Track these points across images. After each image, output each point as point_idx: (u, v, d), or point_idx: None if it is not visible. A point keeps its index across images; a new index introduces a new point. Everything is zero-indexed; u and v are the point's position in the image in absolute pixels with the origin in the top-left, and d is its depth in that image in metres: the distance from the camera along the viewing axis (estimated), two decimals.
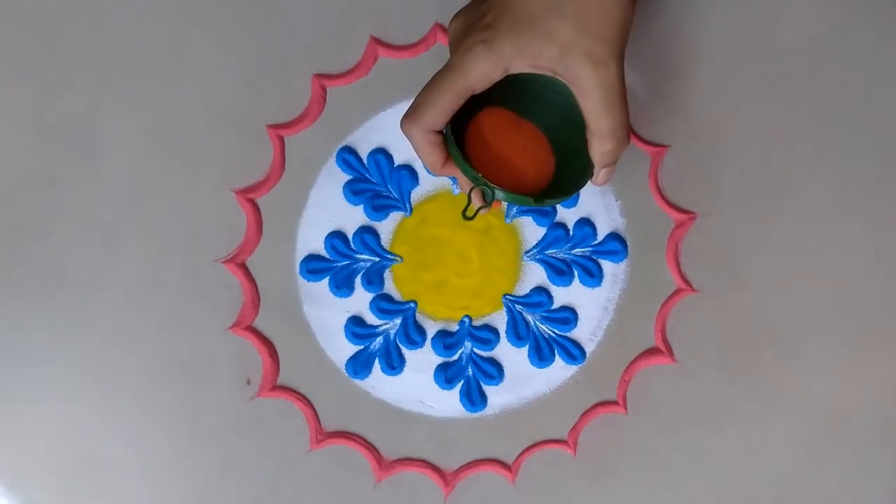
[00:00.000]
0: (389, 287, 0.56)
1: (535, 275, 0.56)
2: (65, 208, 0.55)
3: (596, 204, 0.56)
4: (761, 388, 0.55)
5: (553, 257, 0.56)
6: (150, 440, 0.55)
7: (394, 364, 0.55)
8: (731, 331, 0.55)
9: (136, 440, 0.55)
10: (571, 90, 0.46)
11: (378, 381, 0.55)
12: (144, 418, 0.55)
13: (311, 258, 0.56)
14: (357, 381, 0.55)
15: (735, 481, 0.55)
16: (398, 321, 0.56)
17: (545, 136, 0.49)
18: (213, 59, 0.56)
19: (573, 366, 0.55)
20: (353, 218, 0.56)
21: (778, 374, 0.55)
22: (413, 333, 0.55)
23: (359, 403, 0.55)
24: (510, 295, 0.56)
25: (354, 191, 0.56)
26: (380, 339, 0.55)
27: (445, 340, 0.55)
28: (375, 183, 0.56)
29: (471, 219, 0.48)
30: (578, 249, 0.56)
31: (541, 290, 0.56)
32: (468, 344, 0.56)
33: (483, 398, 0.55)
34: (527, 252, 0.56)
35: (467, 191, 0.48)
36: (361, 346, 0.55)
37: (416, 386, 0.55)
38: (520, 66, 0.46)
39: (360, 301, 0.56)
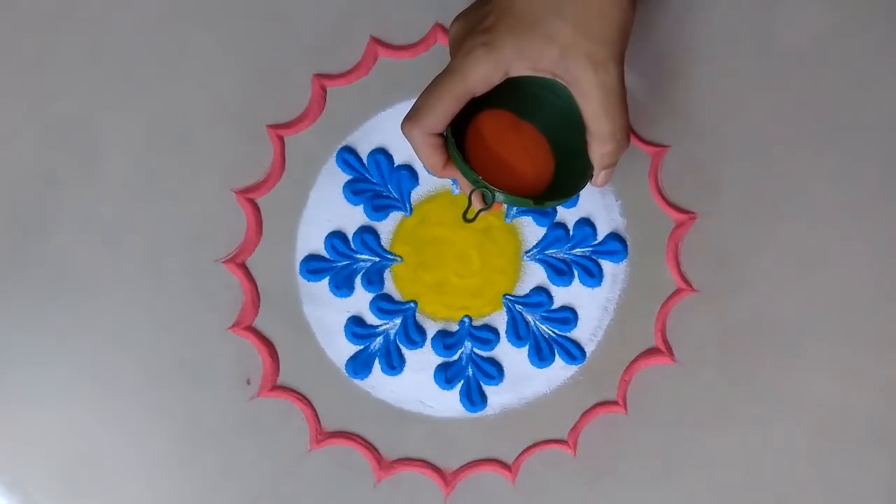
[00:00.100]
0: (389, 287, 0.56)
1: (535, 275, 0.56)
2: (65, 208, 0.55)
3: (596, 204, 0.56)
4: (761, 388, 0.55)
5: (553, 257, 0.56)
6: (149, 440, 0.55)
7: (394, 364, 0.55)
8: (731, 331, 0.55)
9: (135, 440, 0.55)
10: (571, 92, 0.46)
11: (378, 381, 0.55)
12: (144, 418, 0.55)
13: (311, 258, 0.56)
14: (357, 381, 0.55)
15: (735, 481, 0.55)
16: (398, 321, 0.56)
17: (545, 138, 0.49)
18: (213, 59, 0.56)
19: (573, 366, 0.55)
20: (353, 218, 0.56)
21: (778, 374, 0.55)
22: (413, 333, 0.55)
23: (359, 403, 0.55)
24: (510, 295, 0.56)
25: (354, 191, 0.56)
26: (380, 339, 0.55)
27: (445, 340, 0.55)
28: (375, 183, 0.56)
29: (471, 221, 0.48)
30: (578, 249, 0.56)
31: (541, 290, 0.56)
32: (468, 344, 0.56)
33: (483, 398, 0.55)
34: (527, 252, 0.56)
35: (467, 193, 0.48)
36: (361, 346, 0.55)
37: (416, 386, 0.55)
38: (520, 69, 0.46)
39: (360, 301, 0.56)
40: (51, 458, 0.55)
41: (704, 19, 0.56)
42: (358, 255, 0.56)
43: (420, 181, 0.56)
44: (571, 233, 0.56)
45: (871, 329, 0.55)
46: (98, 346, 0.55)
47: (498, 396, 0.55)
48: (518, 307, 0.56)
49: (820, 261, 0.55)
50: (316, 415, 0.55)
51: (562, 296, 0.56)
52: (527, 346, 0.55)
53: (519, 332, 0.55)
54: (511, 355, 0.56)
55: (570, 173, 0.49)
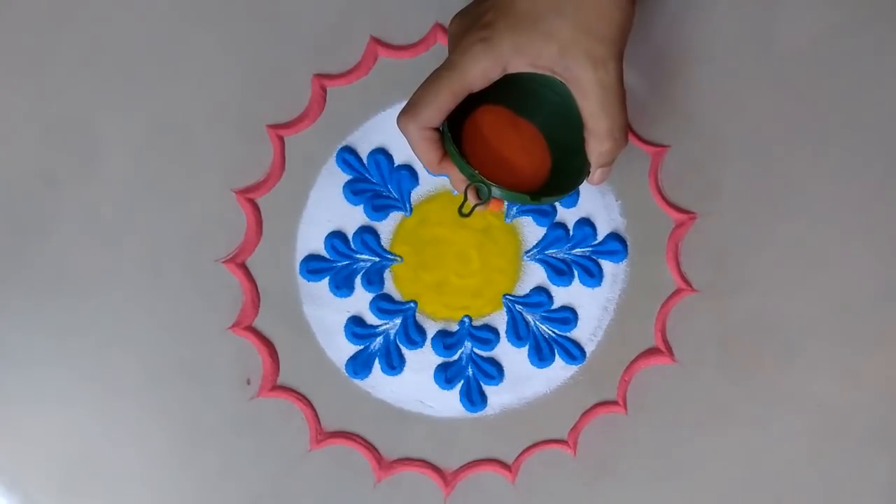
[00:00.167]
0: (389, 287, 0.56)
1: (535, 275, 0.56)
2: (65, 208, 0.55)
3: (596, 204, 0.56)
4: (761, 388, 0.55)
5: (553, 257, 0.56)
6: (149, 440, 0.55)
7: (394, 364, 0.55)
8: (731, 331, 0.55)
9: (135, 440, 0.55)
10: (570, 90, 0.46)
11: (378, 381, 0.55)
12: (144, 418, 0.55)
13: (311, 258, 0.56)
14: (357, 381, 0.55)
15: (735, 481, 0.55)
16: (398, 321, 0.56)
17: (542, 135, 0.49)
18: (213, 59, 0.56)
19: (573, 366, 0.55)
20: (353, 218, 0.56)
21: (778, 374, 0.55)
22: (413, 333, 0.55)
23: (359, 403, 0.55)
24: (510, 295, 0.56)
25: (354, 191, 0.56)
26: (380, 339, 0.55)
27: (445, 340, 0.55)
28: (375, 183, 0.56)
29: (467, 215, 0.48)
30: (578, 249, 0.56)
31: (541, 290, 0.56)
32: (468, 344, 0.56)
33: (483, 398, 0.55)
34: (527, 252, 0.56)
35: (462, 189, 0.48)
36: (361, 346, 0.55)
37: (416, 386, 0.55)
38: (519, 66, 0.46)
39: (360, 301, 0.56)
40: (51, 459, 0.55)
41: (704, 19, 0.56)
42: (358, 255, 0.56)
43: (420, 181, 0.56)
44: (571, 233, 0.56)
45: (871, 329, 0.55)
46: (98, 346, 0.55)
47: (498, 396, 0.55)
48: (518, 307, 0.56)
49: (820, 261, 0.55)
50: (316, 415, 0.55)
51: (562, 296, 0.56)
52: (527, 346, 0.55)
53: (519, 332, 0.55)
54: (511, 355, 0.56)
55: (567, 171, 0.49)
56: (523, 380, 0.55)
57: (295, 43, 0.56)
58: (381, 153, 0.56)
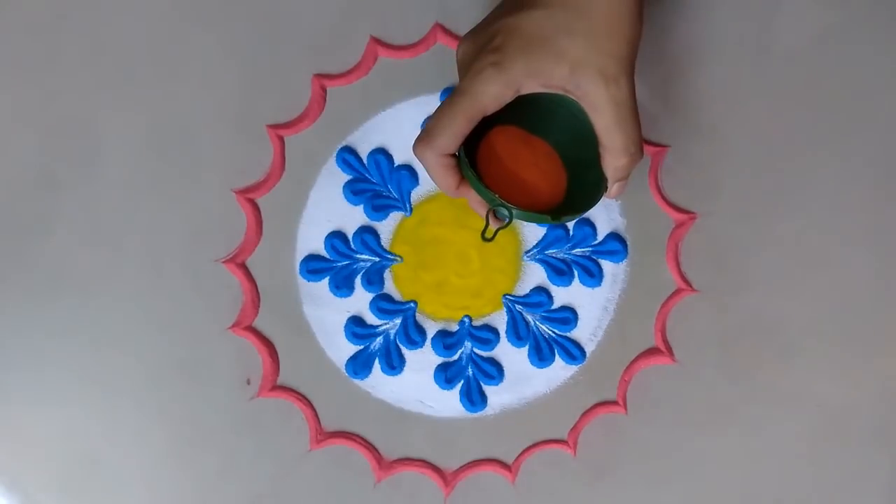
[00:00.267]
0: (389, 287, 0.56)
1: (535, 275, 0.56)
2: (65, 208, 0.55)
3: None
4: (761, 388, 0.55)
5: (553, 257, 0.56)
6: (149, 440, 0.55)
7: (394, 364, 0.55)
8: (731, 331, 0.55)
9: (135, 440, 0.55)
10: (583, 107, 0.46)
11: (378, 381, 0.55)
12: (144, 418, 0.55)
13: (311, 258, 0.56)
14: (357, 381, 0.55)
15: (735, 481, 0.55)
16: (398, 321, 0.56)
17: (556, 153, 0.49)
18: (213, 59, 0.56)
19: (573, 366, 0.55)
20: (353, 218, 0.56)
21: (778, 374, 0.55)
22: (413, 333, 0.55)
23: (359, 403, 0.55)
24: (510, 295, 0.56)
25: (354, 191, 0.56)
26: (380, 339, 0.55)
27: (445, 340, 0.55)
28: (375, 183, 0.56)
29: (490, 240, 0.48)
30: (578, 249, 0.56)
31: (541, 290, 0.56)
32: (468, 344, 0.56)
33: (483, 398, 0.55)
34: (527, 252, 0.56)
35: (482, 212, 0.48)
36: (361, 346, 0.55)
37: (416, 386, 0.55)
38: (531, 87, 0.46)
39: (360, 301, 0.56)
40: (51, 459, 0.55)
41: (704, 20, 0.56)
42: (358, 255, 0.56)
43: (420, 181, 0.56)
44: (571, 233, 0.56)
45: (871, 329, 0.55)
46: (98, 346, 0.55)
47: (498, 396, 0.55)
48: (518, 307, 0.56)
49: (820, 261, 0.55)
50: (316, 415, 0.55)
51: (562, 296, 0.56)
52: (527, 346, 0.55)
53: (519, 332, 0.55)
54: (511, 355, 0.56)
55: (582, 187, 0.49)
56: (523, 380, 0.55)
57: (295, 43, 0.56)
58: (381, 153, 0.56)
